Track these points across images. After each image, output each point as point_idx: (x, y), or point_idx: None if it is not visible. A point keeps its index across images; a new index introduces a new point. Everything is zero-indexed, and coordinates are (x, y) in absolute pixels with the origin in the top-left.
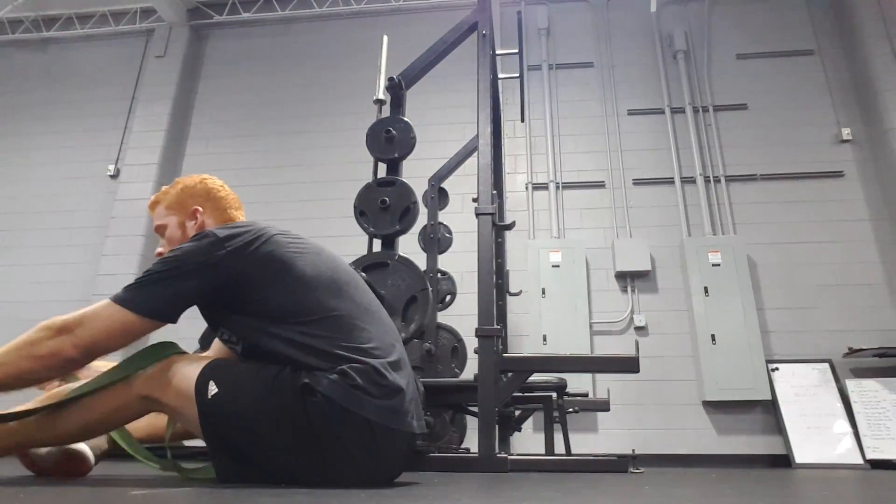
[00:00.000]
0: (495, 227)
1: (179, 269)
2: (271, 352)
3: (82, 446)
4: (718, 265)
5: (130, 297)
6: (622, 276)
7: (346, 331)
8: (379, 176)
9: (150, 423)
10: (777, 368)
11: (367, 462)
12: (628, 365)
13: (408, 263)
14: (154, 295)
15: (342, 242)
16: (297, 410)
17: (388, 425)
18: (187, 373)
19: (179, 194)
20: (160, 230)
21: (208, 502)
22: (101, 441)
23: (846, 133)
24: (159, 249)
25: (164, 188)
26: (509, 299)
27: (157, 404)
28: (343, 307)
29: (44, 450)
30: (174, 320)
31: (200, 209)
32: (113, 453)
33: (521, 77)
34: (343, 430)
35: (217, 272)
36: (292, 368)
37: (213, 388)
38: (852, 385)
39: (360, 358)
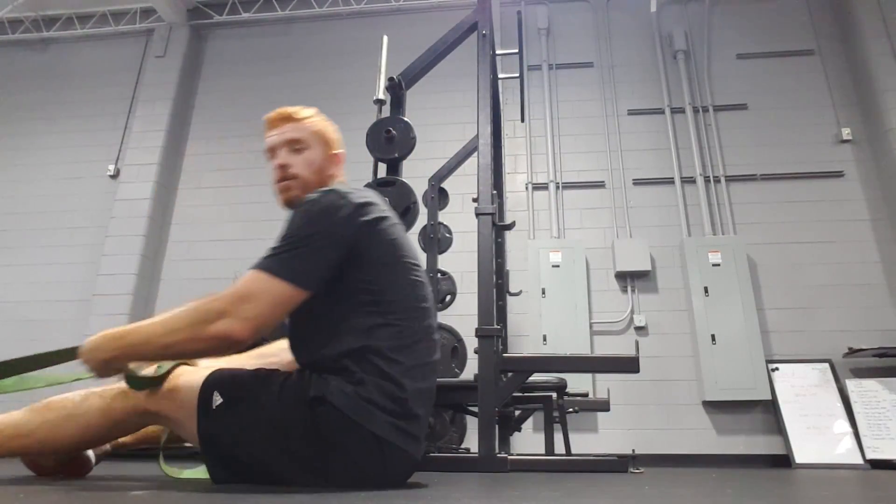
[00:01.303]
0: (495, 227)
1: (326, 237)
2: (323, 339)
3: None
4: (718, 265)
5: (287, 269)
6: (622, 276)
7: (411, 343)
8: (379, 176)
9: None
10: (777, 368)
11: (372, 477)
12: (628, 365)
13: None
14: (306, 264)
15: None
16: (304, 420)
17: (396, 443)
18: (190, 383)
19: (328, 130)
20: (292, 144)
21: (208, 503)
22: None
23: (846, 133)
24: (283, 161)
25: (295, 109)
26: (509, 299)
27: (155, 418)
28: (421, 315)
29: None
30: (319, 290)
31: (341, 159)
32: (113, 454)
33: (521, 77)
34: (350, 443)
35: (348, 241)
36: (300, 375)
37: (217, 399)
38: (852, 385)
39: (393, 376)
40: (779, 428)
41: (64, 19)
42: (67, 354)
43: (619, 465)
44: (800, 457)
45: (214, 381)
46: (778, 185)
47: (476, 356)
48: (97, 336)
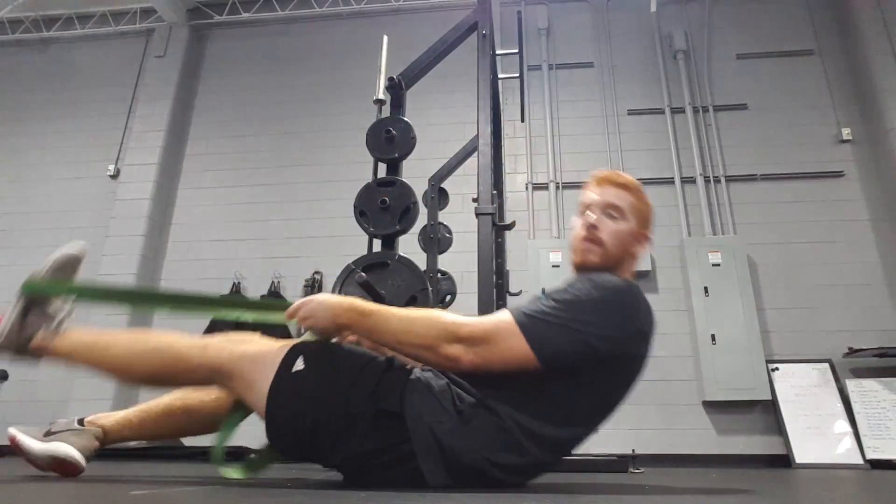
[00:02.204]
0: (495, 227)
1: (596, 336)
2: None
3: (72, 451)
4: (718, 265)
5: (541, 338)
6: None
7: (546, 452)
8: (379, 176)
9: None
10: (777, 368)
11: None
12: None
13: (408, 263)
14: (562, 344)
15: (342, 242)
16: (369, 419)
17: (431, 482)
18: (281, 348)
19: (648, 208)
20: (611, 209)
21: (208, 503)
22: (92, 442)
23: (846, 133)
24: (595, 222)
25: (627, 178)
26: (509, 299)
27: (226, 378)
28: (579, 441)
29: (38, 448)
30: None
31: (647, 243)
32: (113, 454)
33: (521, 77)
34: (396, 462)
35: (610, 354)
36: (394, 376)
37: (300, 364)
38: (852, 385)
39: (496, 458)
40: (779, 428)
41: (64, 19)
42: (280, 305)
43: (619, 465)
44: (800, 457)
45: (303, 348)
46: (778, 185)
47: None
48: (339, 300)
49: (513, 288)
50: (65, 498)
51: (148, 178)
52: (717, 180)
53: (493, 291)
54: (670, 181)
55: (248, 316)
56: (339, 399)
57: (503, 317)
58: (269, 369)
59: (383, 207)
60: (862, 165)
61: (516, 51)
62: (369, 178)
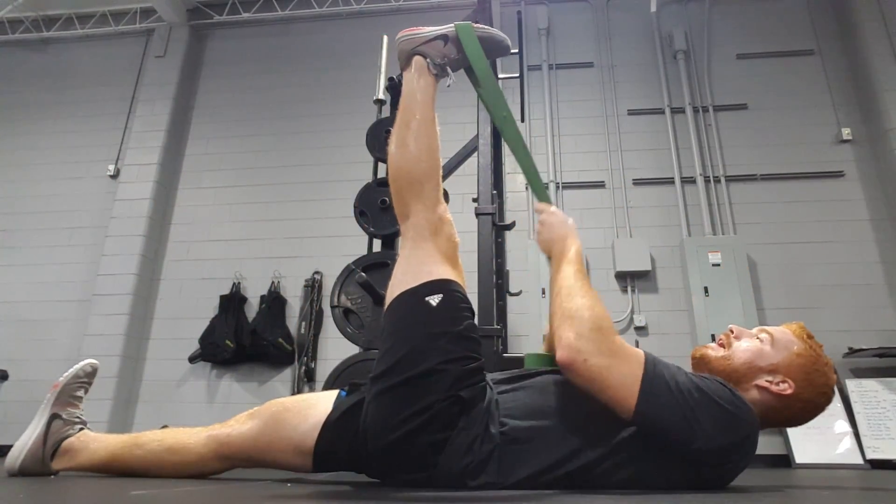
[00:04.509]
0: (495, 227)
1: (699, 439)
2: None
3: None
4: (718, 265)
5: (654, 402)
6: (622, 276)
7: None
8: (379, 176)
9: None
10: None
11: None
12: None
13: None
14: (667, 420)
15: (342, 242)
16: (436, 392)
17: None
18: (438, 269)
19: (806, 367)
20: (764, 332)
21: (209, 502)
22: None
23: (846, 133)
24: (736, 329)
25: (806, 334)
26: (509, 299)
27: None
28: None
29: (25, 449)
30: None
31: (792, 391)
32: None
33: (521, 77)
34: (423, 439)
35: (702, 461)
36: (480, 369)
37: (434, 299)
38: (852, 385)
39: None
40: (779, 428)
41: (64, 19)
42: (544, 194)
43: None
44: (800, 457)
45: (450, 292)
46: (778, 185)
47: None
48: (570, 235)
49: (512, 288)
50: (64, 498)
51: (148, 178)
52: (717, 180)
53: (493, 291)
54: (670, 181)
55: (530, 174)
56: (435, 358)
57: (637, 354)
58: (419, 276)
59: (383, 207)
60: (862, 165)
61: (516, 51)
62: (369, 178)
